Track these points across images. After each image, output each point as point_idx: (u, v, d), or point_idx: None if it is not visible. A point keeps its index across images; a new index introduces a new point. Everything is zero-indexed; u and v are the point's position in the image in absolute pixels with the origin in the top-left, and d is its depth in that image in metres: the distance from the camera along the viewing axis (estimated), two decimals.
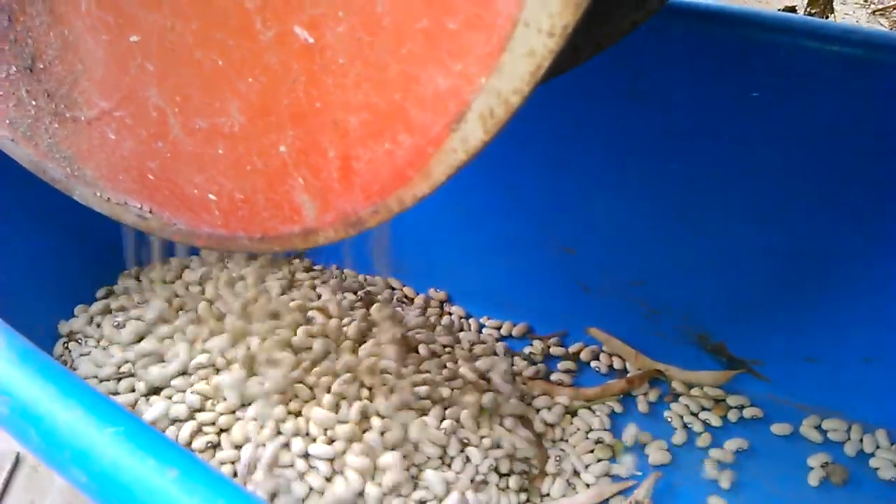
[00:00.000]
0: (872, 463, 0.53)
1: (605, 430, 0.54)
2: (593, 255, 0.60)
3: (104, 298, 0.60)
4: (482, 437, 0.51)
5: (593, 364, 0.60)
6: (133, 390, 0.52)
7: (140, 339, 0.55)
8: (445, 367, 0.55)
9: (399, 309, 0.62)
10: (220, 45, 0.31)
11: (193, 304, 0.57)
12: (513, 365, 0.59)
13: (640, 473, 0.52)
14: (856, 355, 0.55)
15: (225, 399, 0.50)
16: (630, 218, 0.59)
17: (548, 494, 0.50)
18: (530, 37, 0.24)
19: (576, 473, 0.52)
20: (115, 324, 0.56)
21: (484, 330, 0.63)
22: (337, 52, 0.28)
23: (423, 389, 0.52)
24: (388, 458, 0.47)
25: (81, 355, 0.55)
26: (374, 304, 0.60)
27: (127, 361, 0.53)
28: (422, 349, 0.57)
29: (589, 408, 0.56)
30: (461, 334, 0.60)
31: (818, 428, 0.55)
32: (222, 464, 0.47)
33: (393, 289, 0.65)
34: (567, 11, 0.23)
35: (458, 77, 0.26)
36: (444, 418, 0.51)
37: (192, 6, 0.31)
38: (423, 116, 0.28)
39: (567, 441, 0.54)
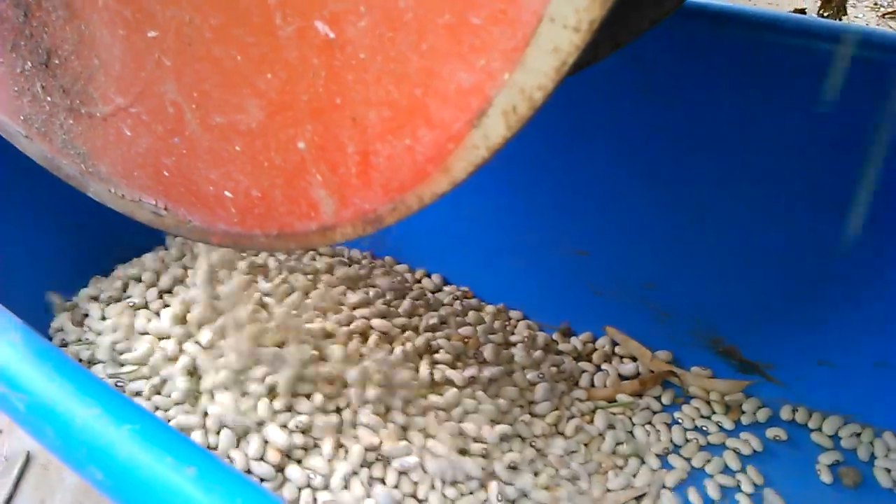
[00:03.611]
0: (885, 465, 0.53)
1: (617, 431, 0.54)
2: (606, 257, 0.60)
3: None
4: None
5: (605, 366, 0.59)
6: None
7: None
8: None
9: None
10: (239, 41, 0.30)
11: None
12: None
13: (653, 476, 0.52)
14: (867, 359, 0.55)
15: None
16: (642, 221, 0.58)
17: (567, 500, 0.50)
18: (556, 32, 0.24)
19: (591, 476, 0.52)
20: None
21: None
22: (358, 48, 0.28)
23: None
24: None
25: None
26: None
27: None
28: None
29: (604, 409, 0.56)
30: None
31: (831, 431, 0.55)
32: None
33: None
34: (594, 6, 0.23)
35: (481, 72, 0.26)
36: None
37: (210, 1, 0.31)
38: (444, 112, 0.27)
39: (587, 445, 0.53)
